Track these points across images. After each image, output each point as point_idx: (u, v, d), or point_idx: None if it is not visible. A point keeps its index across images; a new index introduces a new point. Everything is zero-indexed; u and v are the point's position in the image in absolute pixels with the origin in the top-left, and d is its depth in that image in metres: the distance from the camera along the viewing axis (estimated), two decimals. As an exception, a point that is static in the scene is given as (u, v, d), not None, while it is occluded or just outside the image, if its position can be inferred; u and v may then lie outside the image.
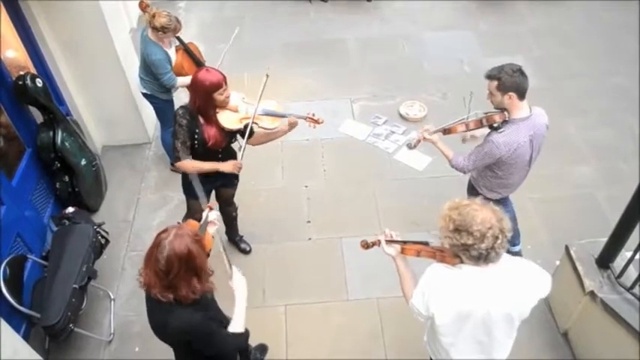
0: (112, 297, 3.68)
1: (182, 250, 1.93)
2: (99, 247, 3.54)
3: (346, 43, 6.11)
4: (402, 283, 2.26)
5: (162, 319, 2.04)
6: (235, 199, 3.64)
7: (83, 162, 4.03)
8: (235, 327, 2.21)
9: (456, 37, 6.15)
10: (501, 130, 2.88)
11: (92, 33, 4.02)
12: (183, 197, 3.48)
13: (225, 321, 2.26)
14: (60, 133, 3.83)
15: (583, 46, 5.92)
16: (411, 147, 3.26)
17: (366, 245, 2.42)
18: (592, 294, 2.98)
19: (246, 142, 3.11)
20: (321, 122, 3.17)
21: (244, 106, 3.06)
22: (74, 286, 3.17)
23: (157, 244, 1.95)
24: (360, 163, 4.64)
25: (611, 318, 2.85)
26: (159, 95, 4.05)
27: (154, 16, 3.67)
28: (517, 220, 3.42)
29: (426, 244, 2.26)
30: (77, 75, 4.27)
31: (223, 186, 3.41)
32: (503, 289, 1.99)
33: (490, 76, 2.84)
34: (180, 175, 3.33)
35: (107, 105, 4.52)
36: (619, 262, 2.96)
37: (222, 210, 3.55)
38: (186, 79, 3.66)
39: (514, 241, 3.54)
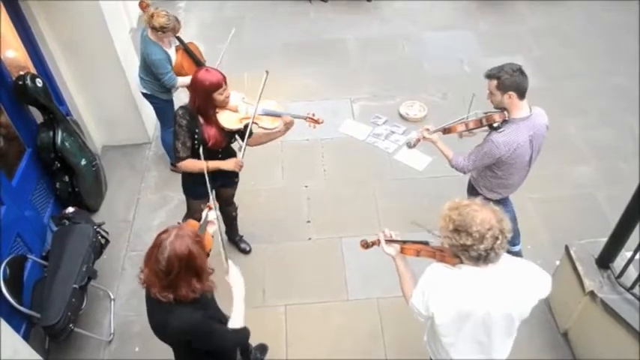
0: (112, 297, 3.68)
1: (183, 250, 1.93)
2: (99, 247, 3.54)
3: (346, 43, 6.11)
4: (401, 282, 2.26)
5: (162, 319, 2.04)
6: (235, 199, 3.64)
7: (83, 162, 4.03)
8: (235, 323, 2.20)
9: (456, 37, 6.15)
10: (501, 129, 2.88)
11: (92, 33, 4.02)
12: (183, 197, 3.48)
13: (224, 319, 2.26)
14: (60, 133, 3.83)
15: (583, 46, 5.92)
16: (410, 146, 3.26)
17: (366, 245, 2.42)
18: (592, 294, 2.98)
19: (246, 143, 3.11)
20: (321, 122, 3.17)
21: (244, 106, 3.06)
22: (74, 286, 3.17)
23: (157, 244, 1.95)
24: (360, 163, 4.64)
25: (611, 318, 2.85)
26: (159, 95, 4.05)
27: (152, 16, 3.67)
28: (517, 220, 3.42)
29: (425, 243, 2.26)
30: (77, 75, 4.27)
31: (223, 186, 3.41)
32: (503, 289, 1.99)
33: (490, 76, 2.84)
34: (181, 175, 3.32)
35: (107, 105, 4.52)
36: (619, 262, 2.96)
37: (222, 210, 3.56)
38: (187, 79, 3.66)
39: (514, 241, 3.54)
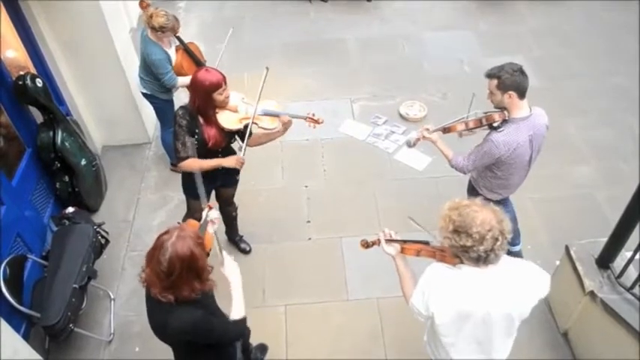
0: (112, 297, 3.68)
1: (185, 252, 1.92)
2: (99, 247, 3.54)
3: (346, 43, 6.11)
4: (401, 282, 2.25)
5: (162, 319, 2.04)
6: (235, 199, 3.64)
7: (83, 162, 4.03)
8: (236, 314, 2.18)
9: (456, 37, 6.15)
10: (501, 129, 2.88)
11: (92, 33, 4.02)
12: (183, 197, 3.48)
13: (222, 317, 2.25)
14: (60, 133, 3.83)
15: (583, 46, 5.92)
16: (410, 145, 3.26)
17: (366, 245, 2.42)
18: (592, 294, 2.98)
19: (246, 143, 3.11)
20: (321, 122, 3.16)
21: (244, 106, 3.06)
22: (74, 285, 3.17)
23: (158, 245, 1.95)
24: (360, 163, 4.64)
25: (611, 318, 2.85)
26: (159, 95, 4.05)
27: (151, 16, 3.67)
28: (517, 221, 3.42)
29: (426, 243, 2.26)
30: (77, 75, 4.27)
31: (223, 186, 3.41)
32: (503, 290, 1.98)
33: (490, 75, 2.84)
34: (181, 175, 3.32)
35: (107, 105, 4.52)
36: (619, 262, 2.96)
37: (222, 210, 3.55)
38: (187, 79, 3.65)
39: (514, 241, 3.54)
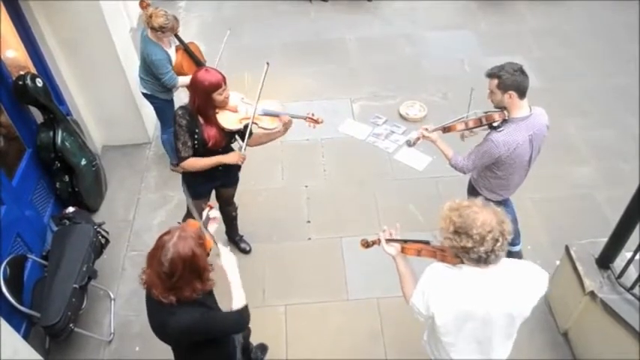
0: (112, 297, 3.68)
1: (186, 252, 1.92)
2: (99, 247, 3.54)
3: (346, 42, 6.11)
4: (402, 282, 2.25)
5: (162, 319, 2.04)
6: (235, 199, 3.64)
7: (83, 162, 4.03)
8: (237, 303, 2.13)
9: (457, 36, 6.15)
10: (501, 129, 2.88)
11: (92, 33, 4.02)
12: (183, 197, 3.48)
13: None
14: (60, 132, 3.83)
15: (583, 46, 5.92)
16: (410, 144, 3.25)
17: (366, 244, 2.41)
18: (592, 294, 2.97)
19: (247, 143, 3.11)
20: (321, 122, 3.16)
21: (244, 106, 3.06)
22: (74, 285, 3.17)
23: (160, 246, 1.94)
24: (360, 162, 4.64)
25: (611, 318, 2.85)
26: (159, 95, 4.05)
27: (150, 16, 3.67)
28: (517, 221, 3.42)
29: (426, 243, 2.26)
30: (77, 75, 4.27)
31: (223, 186, 3.41)
32: (503, 290, 1.98)
33: (491, 75, 2.84)
34: (181, 175, 3.32)
35: (107, 105, 4.52)
36: (619, 263, 2.96)
37: (222, 210, 3.55)
38: (187, 79, 3.65)
39: (514, 241, 3.54)
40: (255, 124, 3.03)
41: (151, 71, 3.87)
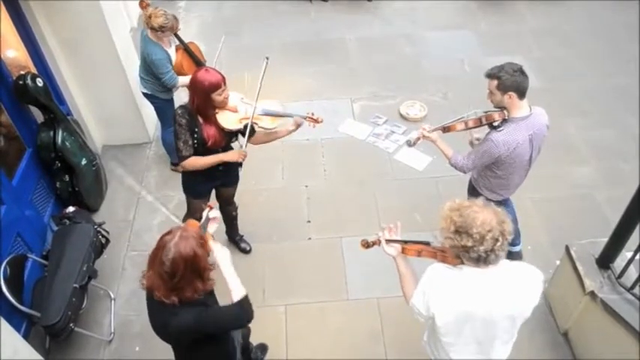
0: (113, 296, 3.68)
1: (188, 252, 1.92)
2: (99, 247, 3.54)
3: (346, 42, 6.11)
4: (402, 282, 2.25)
5: (164, 320, 2.04)
6: (235, 199, 3.64)
7: (83, 161, 4.03)
8: (236, 295, 2.10)
9: (457, 36, 6.15)
10: (501, 128, 2.88)
11: (92, 32, 4.02)
12: (183, 197, 3.48)
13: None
14: (60, 132, 3.83)
15: (583, 46, 5.92)
16: (410, 144, 3.25)
17: (367, 245, 2.41)
18: (592, 294, 2.98)
19: (247, 143, 3.11)
20: (321, 121, 3.16)
21: (243, 106, 3.06)
22: (74, 285, 3.17)
23: (161, 246, 1.94)
24: (360, 162, 4.64)
25: (611, 318, 2.85)
26: (159, 95, 4.05)
27: (150, 16, 3.67)
28: (517, 221, 3.42)
29: (427, 244, 2.25)
30: (78, 74, 4.27)
31: (223, 185, 3.41)
32: (504, 290, 1.98)
33: (490, 75, 2.84)
34: (181, 175, 3.32)
35: (107, 104, 4.52)
36: (619, 263, 2.96)
37: (222, 209, 3.55)
38: (187, 79, 3.65)
39: (514, 241, 3.54)
40: (255, 123, 3.04)
41: (151, 71, 3.87)
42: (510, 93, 2.79)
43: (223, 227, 3.79)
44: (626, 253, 2.93)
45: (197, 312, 2.03)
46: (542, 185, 4.16)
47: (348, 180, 4.49)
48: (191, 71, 3.68)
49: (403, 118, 5.05)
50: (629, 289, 2.85)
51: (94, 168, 4.18)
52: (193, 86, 2.88)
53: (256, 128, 3.10)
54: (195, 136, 2.94)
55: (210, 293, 2.25)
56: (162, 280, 1.93)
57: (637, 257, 2.77)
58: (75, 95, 4.33)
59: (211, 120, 2.94)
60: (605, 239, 3.00)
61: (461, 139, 3.28)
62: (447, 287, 2.01)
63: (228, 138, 3.10)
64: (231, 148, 3.21)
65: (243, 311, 2.11)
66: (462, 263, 2.02)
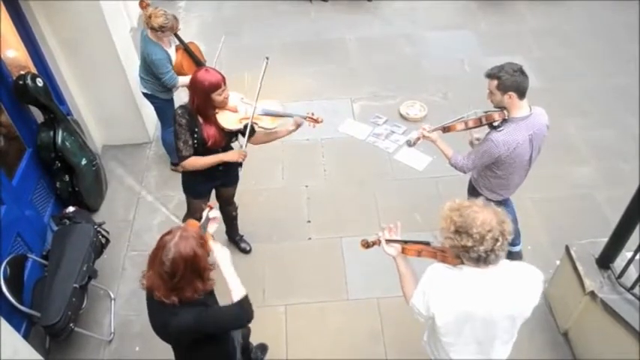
0: (113, 296, 3.68)
1: (188, 252, 1.92)
2: (99, 247, 3.54)
3: (346, 42, 6.11)
4: (402, 282, 2.25)
5: (164, 320, 2.04)
6: (235, 199, 3.64)
7: (83, 161, 4.03)
8: (236, 295, 2.10)
9: (457, 36, 6.15)
10: (501, 128, 2.88)
11: (92, 32, 4.02)
12: (183, 197, 3.48)
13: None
14: (60, 132, 3.83)
15: (583, 46, 5.92)
16: (410, 144, 3.25)
17: (367, 245, 2.41)
18: (592, 294, 2.98)
19: (248, 142, 3.11)
20: (321, 121, 3.16)
21: (243, 106, 3.06)
22: (74, 285, 3.17)
23: (161, 246, 1.95)
24: (360, 162, 4.64)
25: (611, 318, 2.85)
26: (159, 95, 4.05)
27: (150, 17, 3.67)
28: (517, 221, 3.42)
29: (427, 244, 2.25)
30: (78, 74, 4.28)
31: (223, 185, 3.41)
32: (504, 290, 1.98)
33: (490, 75, 2.84)
34: (180, 175, 3.32)
35: (107, 104, 4.53)
36: (619, 263, 2.96)
37: (222, 209, 3.55)
38: (187, 79, 3.65)
39: (514, 241, 3.54)
40: (255, 123, 3.04)
41: (151, 71, 3.87)
42: (510, 93, 2.79)
43: (223, 227, 3.79)
44: (626, 253, 2.93)
45: (197, 312, 2.03)
46: (542, 185, 4.16)
47: (348, 180, 4.49)
48: (191, 71, 3.68)
49: (403, 118, 5.05)
50: (629, 289, 2.85)
51: (94, 168, 4.18)
52: (193, 86, 2.88)
53: (256, 128, 3.10)
54: (196, 136, 2.94)
55: (210, 293, 2.25)
56: (162, 280, 1.93)
57: (637, 257, 2.78)
58: (75, 95, 4.33)
59: (211, 120, 2.94)
60: (605, 239, 3.00)
61: (461, 139, 3.28)
62: (447, 287, 2.01)
63: (228, 138, 3.10)
64: (231, 148, 3.21)
65: (243, 311, 2.11)
66: (462, 263, 2.02)
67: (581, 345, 3.23)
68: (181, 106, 2.97)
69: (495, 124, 2.89)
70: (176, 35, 3.92)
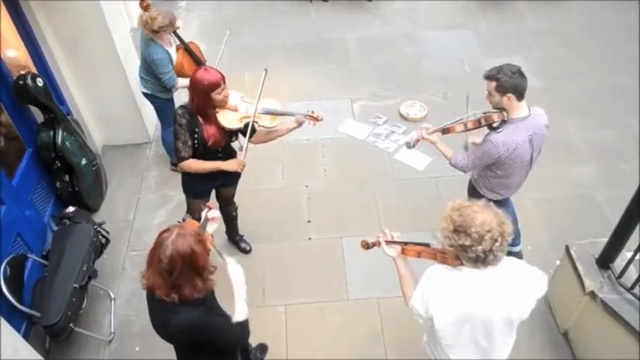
0: (113, 296, 3.68)
1: (185, 249, 1.93)
2: (99, 247, 3.54)
3: (346, 42, 6.11)
4: (401, 283, 2.25)
5: (165, 318, 2.04)
6: (235, 199, 3.64)
7: (83, 161, 4.03)
8: (239, 316, 2.16)
9: (457, 36, 6.15)
10: (500, 129, 2.88)
11: (93, 32, 4.03)
12: (183, 197, 3.48)
13: (223, 314, 2.25)
14: (60, 132, 3.84)
15: (583, 46, 5.91)
16: (410, 146, 3.25)
17: (367, 246, 2.41)
18: (592, 294, 2.98)
19: (248, 141, 3.11)
20: (321, 120, 3.15)
21: (244, 105, 3.06)
22: (74, 285, 3.18)
23: (159, 243, 1.95)
24: (360, 162, 4.64)
25: (611, 318, 2.85)
26: (159, 94, 4.05)
27: (146, 22, 3.64)
28: (517, 221, 3.42)
29: (427, 245, 2.26)
30: (78, 74, 4.28)
31: (223, 185, 3.41)
32: (502, 292, 1.98)
33: (489, 77, 2.84)
34: (180, 175, 3.32)
35: (107, 104, 4.53)
36: (619, 263, 2.96)
37: (222, 209, 3.55)
38: (187, 81, 3.64)
39: (514, 241, 3.54)
40: (256, 122, 3.03)
41: (151, 71, 3.87)
42: (509, 94, 2.79)
43: (223, 227, 3.79)
44: (626, 253, 2.93)
45: (199, 314, 2.03)
46: (542, 185, 4.16)
47: (348, 180, 4.49)
48: (191, 71, 3.66)
49: (403, 118, 5.05)
50: (629, 289, 2.85)
51: (94, 168, 4.18)
52: (193, 86, 2.87)
53: (257, 127, 3.09)
54: (196, 135, 2.94)
55: (211, 294, 2.25)
56: (162, 278, 1.94)
57: (637, 257, 2.78)
58: (75, 95, 4.33)
59: (211, 119, 2.94)
60: (605, 239, 3.00)
61: (461, 140, 3.28)
62: (446, 288, 2.01)
63: (228, 137, 3.10)
64: (232, 148, 3.21)
65: (244, 333, 2.20)
66: (462, 264, 2.02)
67: (581, 345, 3.23)
68: (182, 106, 2.97)
69: (494, 125, 2.89)
70: (176, 35, 3.92)
